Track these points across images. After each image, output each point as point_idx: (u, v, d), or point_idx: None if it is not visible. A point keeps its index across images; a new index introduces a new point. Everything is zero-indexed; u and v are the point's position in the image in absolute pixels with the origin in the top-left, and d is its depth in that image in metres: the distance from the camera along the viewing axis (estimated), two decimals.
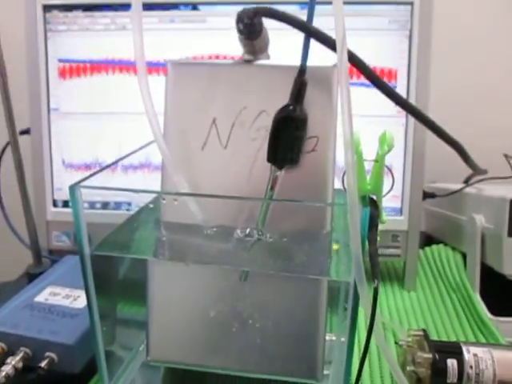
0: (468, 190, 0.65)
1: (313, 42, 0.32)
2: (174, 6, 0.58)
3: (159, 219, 0.36)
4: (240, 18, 0.32)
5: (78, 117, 0.61)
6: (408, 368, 0.41)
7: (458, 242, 0.67)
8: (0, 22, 0.52)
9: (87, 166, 0.61)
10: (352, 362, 0.33)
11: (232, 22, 0.33)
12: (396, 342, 0.47)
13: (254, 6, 0.32)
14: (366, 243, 0.30)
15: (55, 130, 0.62)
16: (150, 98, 0.33)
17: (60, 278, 0.49)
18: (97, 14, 0.59)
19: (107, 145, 0.61)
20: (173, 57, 0.37)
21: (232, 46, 0.35)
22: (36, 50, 0.60)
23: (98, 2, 0.59)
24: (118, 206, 0.60)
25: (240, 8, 0.32)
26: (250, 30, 0.33)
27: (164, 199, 0.36)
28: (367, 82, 0.38)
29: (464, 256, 0.64)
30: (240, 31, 0.33)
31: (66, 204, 0.63)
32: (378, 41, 0.58)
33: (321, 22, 0.32)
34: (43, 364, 0.39)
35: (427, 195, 0.67)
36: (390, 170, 0.34)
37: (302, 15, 0.32)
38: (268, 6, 0.32)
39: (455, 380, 0.39)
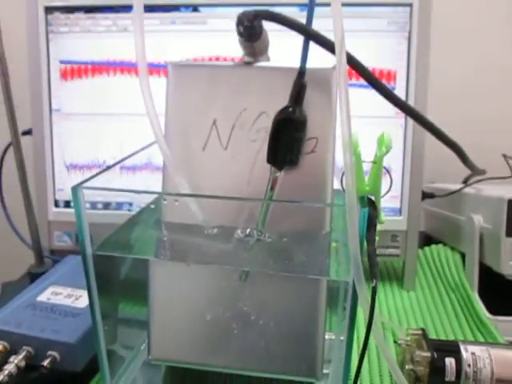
0: (467, 190, 0.66)
1: (312, 45, 0.33)
2: (175, 8, 0.58)
3: (160, 219, 0.37)
4: (240, 21, 0.32)
5: (80, 118, 0.62)
6: (407, 367, 0.42)
7: (456, 241, 0.67)
8: (2, 24, 0.52)
9: (89, 167, 0.62)
10: (351, 361, 0.33)
11: (232, 23, 0.33)
12: (395, 341, 0.48)
13: (254, 8, 0.32)
14: (365, 243, 0.30)
15: (57, 130, 0.62)
16: (151, 99, 0.34)
17: (62, 278, 0.50)
18: (98, 15, 0.59)
19: (108, 145, 0.61)
20: (173, 58, 0.37)
21: (232, 47, 0.35)
22: (38, 52, 0.60)
23: (100, 4, 0.59)
24: (119, 206, 0.60)
25: (240, 10, 0.33)
26: (250, 32, 0.33)
27: (165, 200, 0.36)
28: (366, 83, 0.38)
29: (463, 256, 0.64)
30: (240, 34, 0.33)
31: (67, 204, 0.64)
32: (377, 42, 0.58)
33: (320, 24, 0.32)
34: (45, 363, 0.40)
35: (426, 195, 0.68)
36: (388, 171, 0.35)
37: (302, 17, 0.33)
38: (268, 8, 0.32)
39: (453, 378, 0.39)
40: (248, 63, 0.36)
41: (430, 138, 0.44)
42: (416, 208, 0.60)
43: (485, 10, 0.87)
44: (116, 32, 0.60)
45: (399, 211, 0.60)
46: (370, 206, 0.32)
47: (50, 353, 0.40)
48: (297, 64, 0.33)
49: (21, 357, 0.39)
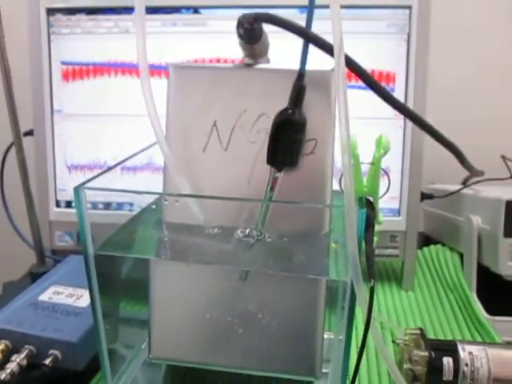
0: (465, 191, 0.66)
1: (312, 47, 0.33)
2: (176, 10, 0.59)
3: (161, 220, 0.37)
4: (240, 24, 0.33)
5: (81, 118, 0.62)
6: (405, 366, 0.42)
7: (455, 242, 0.67)
8: (4, 25, 0.53)
9: (90, 167, 0.62)
10: (349, 360, 0.34)
11: (233, 25, 0.33)
12: (393, 341, 0.48)
13: (255, 10, 0.33)
14: (363, 244, 0.31)
15: (58, 131, 0.63)
16: (152, 100, 0.34)
17: (63, 278, 0.50)
18: (100, 17, 0.60)
19: (109, 146, 0.61)
20: (174, 60, 0.38)
21: (233, 49, 0.35)
22: (40, 53, 0.61)
23: (101, 6, 0.60)
24: (120, 206, 0.60)
25: (241, 12, 0.33)
26: (250, 35, 0.33)
27: (166, 200, 0.36)
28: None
29: (462, 256, 0.64)
30: (240, 36, 0.33)
31: (68, 204, 0.64)
32: (376, 44, 0.58)
33: (320, 26, 0.33)
34: (47, 361, 0.40)
35: (425, 196, 0.68)
36: (386, 172, 0.35)
37: (302, 19, 0.33)
38: (268, 10, 0.33)
39: (451, 378, 0.40)
40: (248, 65, 0.36)
41: (429, 138, 0.44)
42: (415, 209, 0.61)
43: (484, 10, 0.87)
44: (117, 33, 0.60)
45: (398, 212, 0.61)
46: (368, 206, 0.33)
47: (51, 352, 0.40)
48: (296, 66, 0.33)
49: (23, 355, 0.40)
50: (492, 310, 0.55)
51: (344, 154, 0.29)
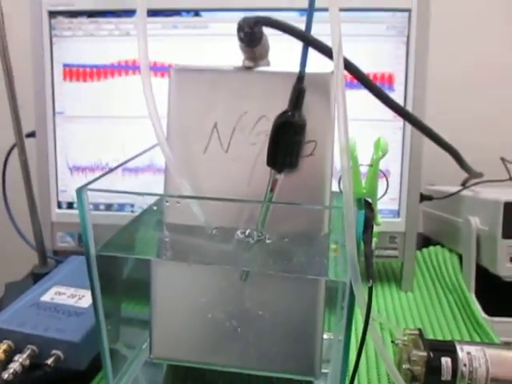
0: (464, 192, 0.66)
1: (312, 50, 0.33)
2: (177, 13, 0.59)
3: (162, 221, 0.37)
4: (241, 27, 0.33)
5: (83, 120, 0.62)
6: (404, 366, 0.42)
7: (454, 243, 0.67)
8: (6, 28, 0.53)
9: (91, 169, 0.62)
10: (348, 360, 0.34)
11: (233, 28, 0.33)
12: (392, 341, 0.48)
13: (255, 14, 0.33)
14: (362, 244, 0.31)
15: (60, 133, 0.63)
16: (153, 102, 0.34)
17: (65, 278, 0.50)
18: (101, 20, 0.60)
19: (111, 148, 0.62)
20: (175, 62, 0.38)
21: (234, 51, 0.36)
22: (42, 55, 0.61)
23: (103, 9, 0.60)
24: (121, 207, 0.61)
25: (241, 14, 0.33)
26: (251, 38, 0.33)
27: (167, 201, 0.37)
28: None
29: (461, 257, 0.64)
30: (241, 39, 0.34)
31: (70, 205, 0.64)
32: (376, 47, 0.59)
33: (319, 29, 0.33)
34: (49, 361, 0.40)
35: (424, 198, 0.68)
36: (384, 174, 0.35)
37: (302, 22, 0.33)
38: (268, 13, 0.33)
39: (449, 377, 0.40)
40: (248, 68, 0.36)
41: (428, 140, 0.44)
42: (414, 210, 0.61)
43: (484, 9, 0.87)
44: (118, 36, 0.60)
45: (398, 213, 0.61)
46: (367, 208, 0.33)
47: (53, 351, 0.41)
48: (296, 69, 0.34)
49: (25, 355, 0.40)
50: (490, 311, 0.55)
51: (342, 156, 0.30)
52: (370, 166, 0.34)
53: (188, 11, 0.59)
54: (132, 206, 0.41)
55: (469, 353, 0.41)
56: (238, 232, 0.35)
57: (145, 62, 0.34)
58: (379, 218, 0.34)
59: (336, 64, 0.31)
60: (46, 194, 0.64)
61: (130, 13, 0.59)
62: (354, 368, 0.34)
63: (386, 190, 0.35)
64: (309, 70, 0.34)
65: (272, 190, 0.35)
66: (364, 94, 0.38)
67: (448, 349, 0.41)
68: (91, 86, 0.62)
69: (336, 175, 0.35)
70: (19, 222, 0.66)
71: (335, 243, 0.35)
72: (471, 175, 0.60)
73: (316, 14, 0.33)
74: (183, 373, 0.43)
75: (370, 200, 0.34)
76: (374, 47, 0.59)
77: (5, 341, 0.41)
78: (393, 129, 0.59)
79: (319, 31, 0.33)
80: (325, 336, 0.38)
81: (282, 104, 0.34)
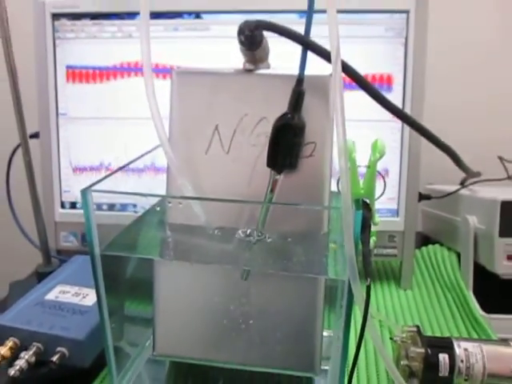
0: (462, 191, 0.67)
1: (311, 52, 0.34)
2: (178, 15, 0.60)
3: (165, 221, 0.38)
4: (241, 31, 0.33)
5: (86, 121, 0.63)
6: (402, 362, 0.43)
7: (453, 242, 0.68)
8: (10, 30, 0.54)
9: (94, 169, 0.63)
10: (347, 357, 0.35)
11: (234, 30, 0.34)
12: (391, 338, 0.49)
13: (256, 16, 0.33)
14: (360, 244, 0.32)
15: (63, 134, 0.64)
16: (156, 103, 0.35)
17: (69, 277, 0.51)
18: (104, 22, 0.61)
19: (113, 148, 0.62)
20: (177, 64, 0.38)
21: (234, 53, 0.36)
22: (45, 57, 0.62)
23: (106, 11, 0.61)
24: (123, 207, 0.61)
25: (242, 17, 0.34)
26: (251, 41, 0.34)
27: (170, 202, 0.37)
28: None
29: (459, 256, 0.65)
30: (241, 42, 0.34)
31: (73, 205, 0.65)
32: (374, 48, 0.59)
33: (319, 30, 0.33)
34: (55, 358, 0.41)
35: (423, 197, 0.69)
36: (381, 175, 0.36)
37: (301, 23, 0.34)
38: (268, 15, 0.34)
39: (446, 373, 0.41)
40: (249, 70, 0.37)
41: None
42: (413, 209, 0.61)
43: (485, 11, 0.87)
44: (121, 38, 0.61)
45: (396, 212, 0.62)
46: (365, 208, 0.33)
47: (58, 349, 0.41)
48: (296, 71, 0.34)
49: (31, 352, 0.41)
50: (488, 308, 0.55)
51: (340, 157, 0.30)
52: (368, 167, 0.34)
53: (189, 13, 0.60)
54: (134, 206, 0.42)
55: (466, 349, 0.41)
56: (239, 232, 0.36)
57: (147, 64, 0.35)
58: (377, 218, 0.35)
59: (334, 67, 0.31)
60: (49, 194, 0.64)
61: (132, 15, 0.60)
62: (353, 364, 0.34)
63: (384, 190, 0.36)
64: (308, 72, 0.34)
65: (272, 190, 0.35)
66: (362, 95, 0.39)
67: (445, 345, 0.42)
68: (94, 88, 0.62)
69: (335, 176, 0.35)
70: (23, 222, 0.67)
71: (334, 242, 0.36)
72: (469, 175, 0.61)
73: (315, 16, 0.33)
74: (186, 370, 0.44)
75: (367, 200, 0.35)
76: (372, 49, 0.59)
77: (11, 338, 0.41)
78: (391, 129, 0.60)
79: (318, 33, 0.34)
80: (325, 333, 0.38)
81: (281, 106, 0.35)
